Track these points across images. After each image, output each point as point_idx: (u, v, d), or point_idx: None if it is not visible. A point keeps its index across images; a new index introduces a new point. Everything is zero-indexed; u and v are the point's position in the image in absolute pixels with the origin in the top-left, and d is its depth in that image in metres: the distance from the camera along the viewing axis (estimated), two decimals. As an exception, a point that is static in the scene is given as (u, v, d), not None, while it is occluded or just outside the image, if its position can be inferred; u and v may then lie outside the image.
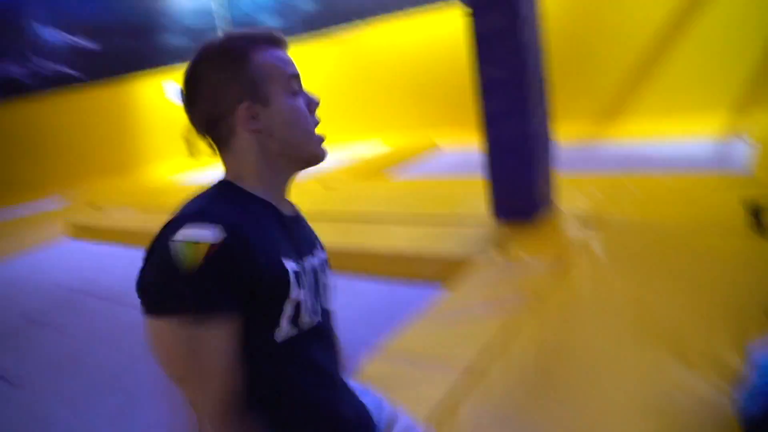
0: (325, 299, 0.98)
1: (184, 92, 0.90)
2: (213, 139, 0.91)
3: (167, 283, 0.74)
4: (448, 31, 8.06)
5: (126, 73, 11.66)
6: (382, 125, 9.32)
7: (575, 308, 2.47)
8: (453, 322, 2.57)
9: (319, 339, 0.93)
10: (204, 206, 0.83)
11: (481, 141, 3.76)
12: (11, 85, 11.70)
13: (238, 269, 0.75)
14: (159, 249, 0.76)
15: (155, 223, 0.82)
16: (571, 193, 3.98)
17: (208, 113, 0.88)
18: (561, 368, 2.07)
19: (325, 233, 3.92)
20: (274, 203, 0.91)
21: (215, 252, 0.73)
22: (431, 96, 8.64)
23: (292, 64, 0.92)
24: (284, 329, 0.83)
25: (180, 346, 0.74)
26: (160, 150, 11.52)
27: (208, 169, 10.78)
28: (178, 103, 11.45)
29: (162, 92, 11.66)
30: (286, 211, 0.94)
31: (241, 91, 0.86)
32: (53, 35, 11.70)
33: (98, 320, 4.04)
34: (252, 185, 0.89)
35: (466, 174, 5.94)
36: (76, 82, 11.73)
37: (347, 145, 9.32)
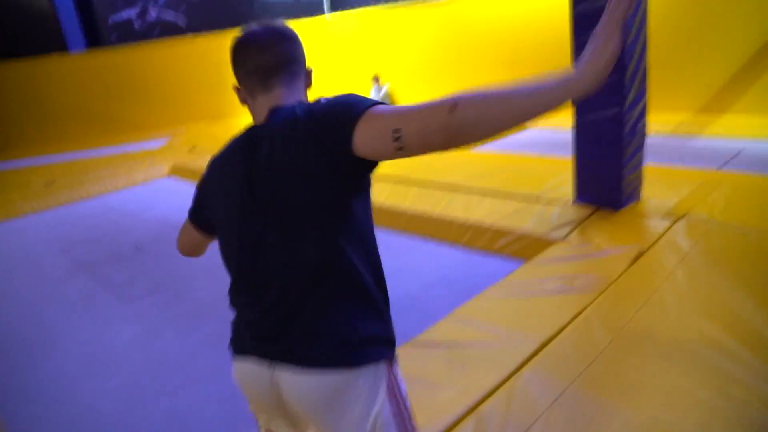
0: None
1: (259, 45, 1.15)
2: (283, 83, 1.15)
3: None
4: (547, 5, 7.87)
5: (228, 26, 12.17)
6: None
7: (652, 300, 2.52)
8: (527, 296, 2.71)
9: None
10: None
11: (572, 123, 3.76)
12: (126, 30, 12.54)
13: None
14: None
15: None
16: (659, 185, 3.92)
17: (282, 57, 1.15)
18: (628, 354, 2.16)
19: (409, 197, 4.20)
20: None
21: None
22: (523, 70, 8.50)
23: None
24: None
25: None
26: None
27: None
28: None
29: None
30: None
31: (302, 53, 1.20)
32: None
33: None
34: None
35: (551, 153, 5.92)
36: (182, 31, 12.41)
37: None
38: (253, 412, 1.19)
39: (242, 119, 11.45)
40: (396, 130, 0.91)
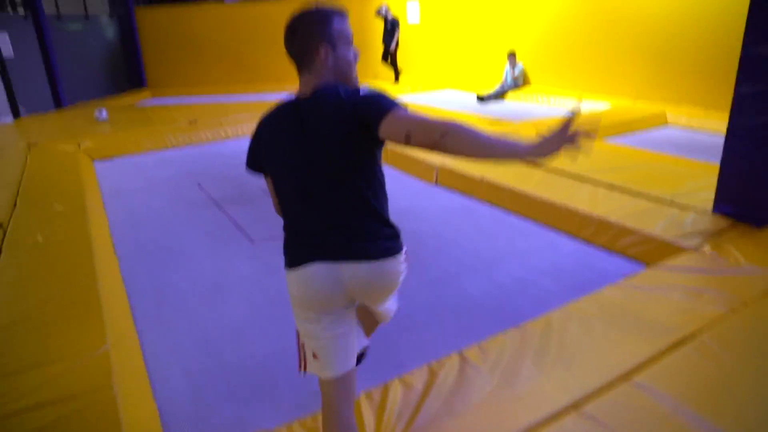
0: None
1: (290, 36, 1.51)
2: (308, 69, 1.51)
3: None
4: (705, 6, 7.15)
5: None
6: (611, 85, 8.74)
7: (788, 326, 2.31)
8: (647, 301, 2.58)
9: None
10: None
11: (728, 125, 3.44)
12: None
13: None
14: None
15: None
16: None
17: (303, 48, 1.49)
18: (745, 375, 2.01)
19: (533, 181, 4.12)
20: None
21: None
22: (670, 65, 7.84)
23: (349, 30, 1.52)
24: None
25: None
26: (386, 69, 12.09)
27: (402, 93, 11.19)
28: (413, 23, 11.92)
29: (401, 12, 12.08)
30: None
31: (323, 39, 1.48)
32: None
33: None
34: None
35: (690, 156, 5.48)
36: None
37: (571, 99, 8.98)
38: (301, 309, 1.58)
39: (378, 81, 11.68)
40: (407, 134, 1.32)
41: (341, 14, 1.52)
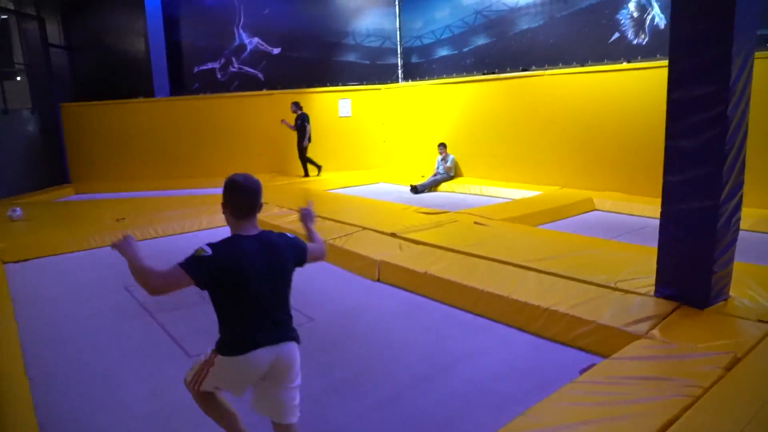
0: (274, 285, 2.16)
1: (245, 193, 2.14)
2: (250, 213, 2.15)
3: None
4: (633, 90, 7.80)
5: (306, 85, 12.72)
6: (540, 175, 9.19)
7: (760, 416, 2.27)
8: (612, 401, 2.48)
9: (257, 311, 2.14)
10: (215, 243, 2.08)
11: (660, 212, 3.59)
12: (208, 80, 13.29)
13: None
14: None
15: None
16: (750, 284, 3.67)
17: (255, 204, 2.15)
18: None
19: (478, 274, 4.02)
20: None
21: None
22: (594, 155, 8.39)
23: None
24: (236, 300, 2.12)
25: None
26: (322, 161, 12.26)
27: (357, 185, 11.31)
28: (344, 116, 12.29)
29: (333, 107, 12.47)
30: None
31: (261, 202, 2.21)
32: (251, 42, 13.11)
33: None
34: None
35: (622, 238, 5.69)
36: (261, 86, 13.03)
37: (501, 188, 9.31)
38: (235, 388, 2.18)
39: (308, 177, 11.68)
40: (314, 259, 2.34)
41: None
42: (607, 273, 4.10)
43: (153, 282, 1.92)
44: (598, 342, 3.29)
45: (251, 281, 2.01)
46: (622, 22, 8.41)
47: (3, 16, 13.55)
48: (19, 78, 13.75)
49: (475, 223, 6.18)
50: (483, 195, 9.52)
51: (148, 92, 13.09)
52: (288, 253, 2.15)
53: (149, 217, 7.52)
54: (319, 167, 11.64)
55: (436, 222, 6.25)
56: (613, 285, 3.86)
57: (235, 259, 2.00)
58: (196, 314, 4.12)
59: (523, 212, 6.98)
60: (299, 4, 12.86)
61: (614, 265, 4.30)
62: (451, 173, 10.42)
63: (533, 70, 9.49)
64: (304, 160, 11.51)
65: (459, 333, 3.78)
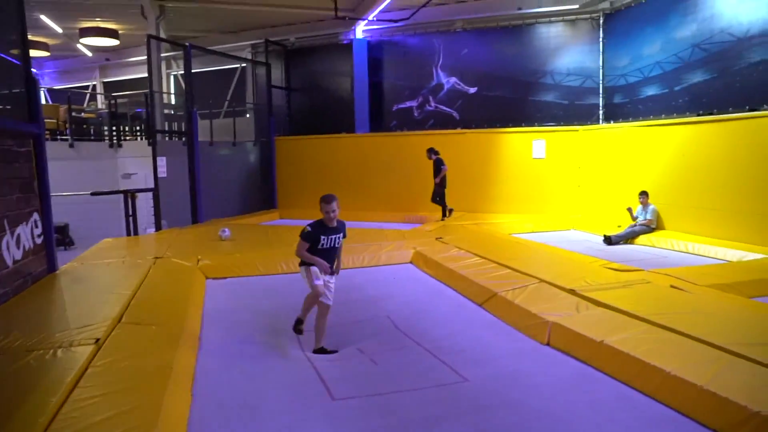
0: (333, 245, 4.37)
1: (330, 201, 4.32)
2: (333, 214, 4.33)
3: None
4: None
5: (501, 125, 12.55)
6: (765, 232, 7.69)
7: None
8: None
9: (327, 254, 4.36)
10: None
11: None
12: (406, 118, 13.90)
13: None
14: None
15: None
16: None
17: (335, 209, 4.36)
18: None
19: (661, 347, 3.31)
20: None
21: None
22: None
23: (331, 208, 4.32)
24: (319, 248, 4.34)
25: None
26: (510, 203, 11.89)
27: (543, 233, 10.72)
28: (538, 157, 11.80)
29: (526, 148, 12.07)
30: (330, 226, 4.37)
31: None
32: (448, 81, 13.39)
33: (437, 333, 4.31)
34: None
35: None
36: (455, 125, 13.21)
37: (712, 247, 7.99)
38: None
39: (493, 220, 11.44)
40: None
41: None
42: None
43: (296, 250, 4.29)
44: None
45: (323, 244, 4.28)
46: None
47: (243, 65, 15.89)
48: (248, 115, 15.93)
49: (672, 286, 5.32)
50: (688, 252, 8.25)
51: (350, 128, 14.10)
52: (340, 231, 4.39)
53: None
54: (449, 211, 11.33)
55: (625, 281, 5.51)
56: None
57: (316, 234, 4.26)
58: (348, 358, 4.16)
59: (737, 278, 5.85)
60: (498, 43, 12.83)
61: None
62: (652, 225, 9.28)
63: (765, 110, 8.06)
64: (438, 202, 11.23)
65: (632, 420, 3.18)
